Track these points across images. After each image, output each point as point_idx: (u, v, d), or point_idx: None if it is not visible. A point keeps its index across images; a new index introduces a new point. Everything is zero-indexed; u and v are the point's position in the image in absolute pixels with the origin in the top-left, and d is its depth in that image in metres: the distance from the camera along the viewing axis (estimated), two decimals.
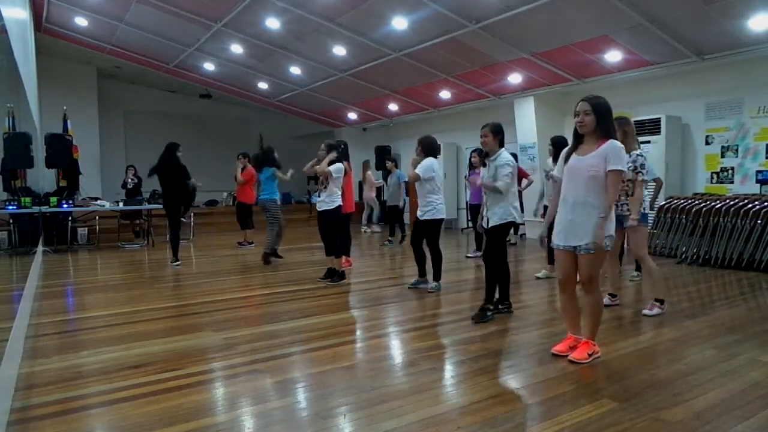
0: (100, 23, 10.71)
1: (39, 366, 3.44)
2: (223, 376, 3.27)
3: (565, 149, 3.47)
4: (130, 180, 11.98)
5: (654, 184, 5.70)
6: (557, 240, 3.42)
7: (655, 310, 4.54)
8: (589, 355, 3.37)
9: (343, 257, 6.59)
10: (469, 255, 8.22)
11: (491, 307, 4.47)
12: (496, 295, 4.58)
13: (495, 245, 4.52)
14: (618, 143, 3.23)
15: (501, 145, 4.56)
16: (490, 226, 4.48)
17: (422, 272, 5.84)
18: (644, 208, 4.57)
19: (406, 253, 8.99)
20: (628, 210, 4.52)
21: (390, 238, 9.91)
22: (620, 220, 4.53)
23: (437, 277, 5.65)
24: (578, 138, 3.36)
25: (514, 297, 5.44)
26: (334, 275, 6.18)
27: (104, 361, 3.51)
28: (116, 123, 15.71)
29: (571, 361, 3.34)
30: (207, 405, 2.84)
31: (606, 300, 4.77)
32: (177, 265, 7.56)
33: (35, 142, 8.70)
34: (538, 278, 6.32)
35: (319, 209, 6.17)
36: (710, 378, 3.08)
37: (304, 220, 14.63)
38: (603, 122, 3.23)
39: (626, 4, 6.81)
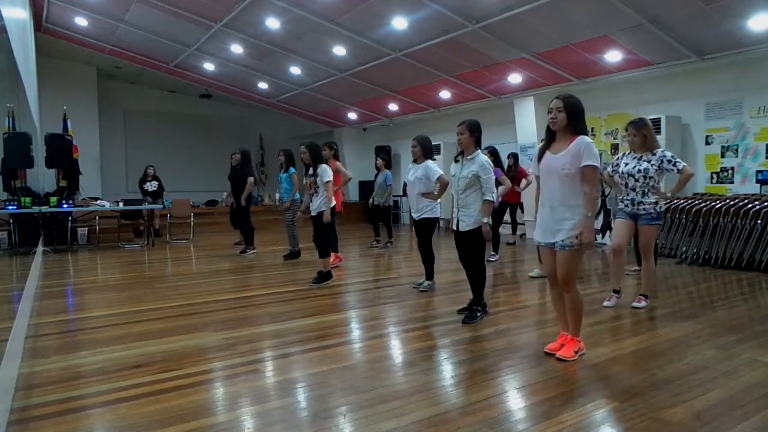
0: (100, 23, 10.72)
1: (39, 366, 3.44)
2: (223, 376, 3.27)
3: (539, 146, 3.52)
4: (149, 184, 11.61)
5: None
6: (537, 237, 3.51)
7: (643, 303, 4.81)
8: (575, 353, 3.42)
9: (333, 254, 6.54)
10: (490, 259, 7.53)
11: (479, 308, 4.49)
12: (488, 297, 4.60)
13: (473, 248, 4.49)
14: (587, 139, 3.28)
15: (477, 144, 4.42)
16: (462, 230, 4.45)
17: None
18: (661, 207, 4.71)
19: (404, 253, 9.00)
20: (644, 209, 4.67)
21: (390, 240, 9.88)
22: (635, 216, 4.73)
23: (430, 276, 5.73)
24: (551, 135, 3.42)
25: (514, 297, 5.45)
26: (322, 275, 6.10)
27: (104, 361, 3.51)
28: (116, 123, 15.73)
29: (559, 359, 3.38)
30: (207, 405, 2.84)
31: (612, 301, 4.90)
32: (252, 252, 8.67)
33: (35, 142, 8.70)
34: (532, 277, 6.36)
35: (314, 213, 6.16)
36: (710, 378, 3.08)
37: (305, 220, 14.59)
38: (574, 120, 3.30)
39: (626, 4, 6.81)
